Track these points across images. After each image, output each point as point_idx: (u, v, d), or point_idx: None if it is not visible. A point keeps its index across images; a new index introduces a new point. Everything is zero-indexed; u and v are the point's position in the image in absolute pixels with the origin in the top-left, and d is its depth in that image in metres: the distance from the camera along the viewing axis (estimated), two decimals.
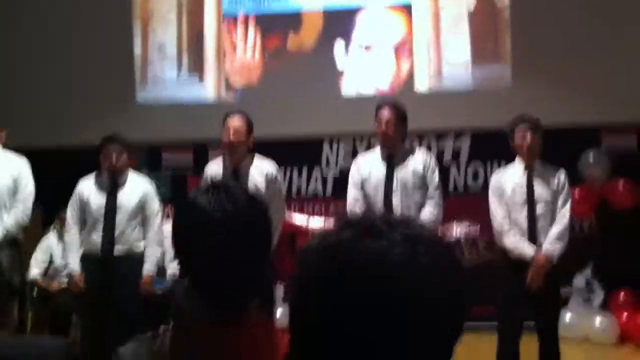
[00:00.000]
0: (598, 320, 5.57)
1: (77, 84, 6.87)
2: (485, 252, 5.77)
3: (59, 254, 5.19)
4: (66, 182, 4.64)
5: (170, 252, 5.22)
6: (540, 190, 4.15)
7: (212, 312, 1.36)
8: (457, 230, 5.91)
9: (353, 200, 4.25)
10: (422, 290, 0.77)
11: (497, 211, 4.19)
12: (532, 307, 4.11)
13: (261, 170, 4.36)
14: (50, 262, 4.60)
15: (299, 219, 6.32)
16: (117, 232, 4.44)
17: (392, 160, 4.22)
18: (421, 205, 4.19)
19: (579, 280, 5.78)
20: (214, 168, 4.45)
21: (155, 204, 4.61)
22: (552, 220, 4.14)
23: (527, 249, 4.06)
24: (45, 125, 6.85)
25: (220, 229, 1.35)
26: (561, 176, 4.21)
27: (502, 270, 4.20)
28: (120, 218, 4.45)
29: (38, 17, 7.00)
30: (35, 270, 5.25)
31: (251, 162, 4.39)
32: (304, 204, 6.49)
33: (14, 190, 4.47)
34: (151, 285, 4.57)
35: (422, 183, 4.19)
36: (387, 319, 0.76)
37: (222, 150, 4.49)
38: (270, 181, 4.36)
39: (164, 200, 5.84)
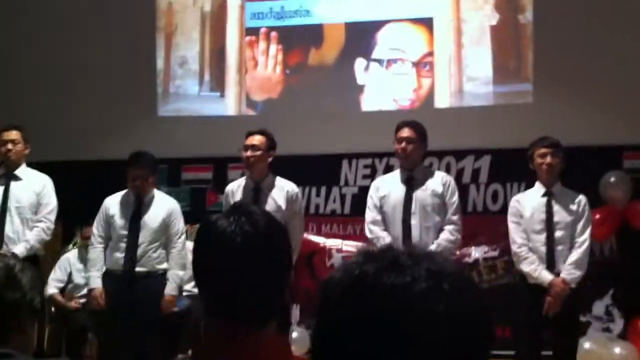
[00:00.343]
0: (617, 349, 5.43)
1: (99, 96, 6.94)
2: (503, 274, 5.72)
3: (78, 271, 5.24)
4: (87, 196, 4.69)
5: (188, 271, 5.25)
6: (559, 215, 4.11)
7: (231, 334, 1.36)
8: (476, 251, 5.86)
9: (371, 222, 4.24)
10: (446, 325, 0.78)
11: (515, 236, 4.17)
12: (550, 333, 4.08)
13: (282, 189, 4.39)
14: (69, 279, 4.65)
15: (316, 238, 6.30)
16: (139, 251, 4.45)
17: (412, 182, 4.20)
18: (440, 227, 4.17)
19: (599, 308, 5.70)
20: (235, 186, 4.48)
21: (179, 224, 4.62)
22: (571, 245, 4.10)
23: (544, 277, 4.03)
24: (67, 139, 6.92)
25: (240, 252, 1.36)
26: (582, 201, 4.18)
27: (520, 294, 4.18)
28: (144, 237, 4.46)
29: (61, 30, 7.08)
30: (53, 286, 5.29)
31: (273, 182, 4.42)
32: (322, 222, 6.47)
33: (37, 207, 4.53)
34: (173, 305, 4.59)
35: (441, 205, 4.18)
36: (411, 355, 0.77)
37: (242, 166, 4.57)
38: (290, 201, 4.37)
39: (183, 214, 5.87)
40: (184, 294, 5.17)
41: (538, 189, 4.22)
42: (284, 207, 4.31)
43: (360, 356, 0.78)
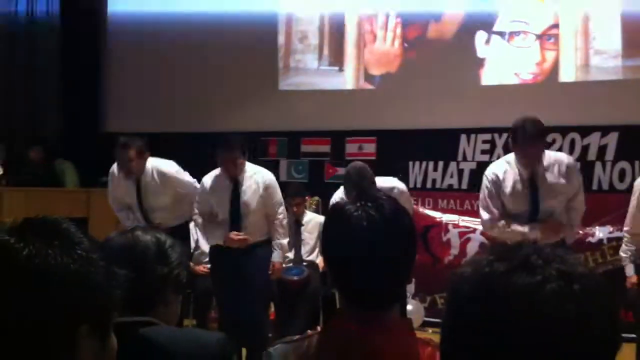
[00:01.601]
0: None
1: (223, 71, 7.19)
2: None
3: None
4: (212, 168, 4.88)
5: (308, 242, 5.39)
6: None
7: (359, 317, 1.41)
8: (600, 231, 5.64)
9: (492, 214, 4.01)
10: (575, 326, 0.79)
11: (628, 219, 4.10)
12: None
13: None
14: (196, 245, 4.88)
15: (432, 212, 6.28)
16: (243, 229, 4.56)
17: (535, 179, 3.99)
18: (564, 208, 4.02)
19: None
20: (208, 181, 4.64)
21: (277, 195, 4.68)
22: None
23: (627, 271, 4.15)
24: (191, 112, 7.24)
25: (367, 237, 1.40)
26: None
27: None
28: (245, 214, 4.56)
29: (188, 6, 7.37)
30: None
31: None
32: (439, 197, 6.43)
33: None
34: (279, 272, 4.72)
35: (566, 187, 4.01)
36: (539, 355, 0.78)
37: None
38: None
39: (301, 186, 6.01)
40: (304, 263, 5.32)
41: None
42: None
43: (488, 353, 0.80)
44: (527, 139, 3.79)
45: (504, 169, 4.00)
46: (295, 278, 5.07)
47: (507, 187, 3.96)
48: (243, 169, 4.59)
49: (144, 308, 1.68)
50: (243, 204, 4.55)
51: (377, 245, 1.40)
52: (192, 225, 4.92)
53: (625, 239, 4.22)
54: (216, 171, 4.67)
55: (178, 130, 7.15)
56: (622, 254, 4.27)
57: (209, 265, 4.85)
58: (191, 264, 5.21)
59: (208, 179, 4.68)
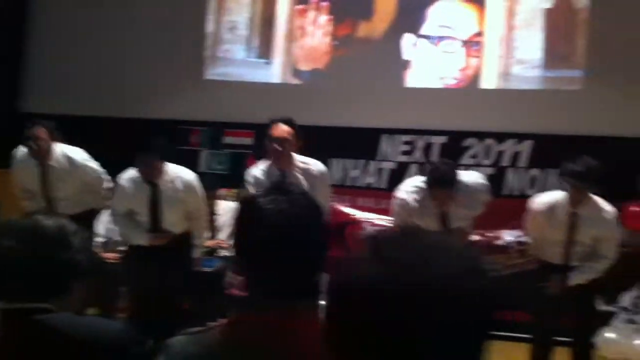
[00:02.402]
0: (639, 341, 5.34)
1: (147, 55, 7.04)
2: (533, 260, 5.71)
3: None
4: (132, 154, 4.77)
5: (226, 231, 5.37)
6: (583, 235, 4.08)
7: (266, 308, 1.41)
8: (508, 234, 5.83)
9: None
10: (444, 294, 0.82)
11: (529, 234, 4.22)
12: (569, 321, 4.16)
13: (308, 171, 4.26)
14: (109, 235, 4.77)
15: (350, 210, 6.35)
16: (161, 228, 4.48)
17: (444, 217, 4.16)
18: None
19: (626, 299, 5.66)
20: (258, 172, 4.32)
21: (198, 196, 4.58)
22: (590, 259, 4.12)
23: None
24: (113, 96, 7.06)
25: (279, 230, 1.40)
26: (610, 220, 4.13)
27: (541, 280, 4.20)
28: (164, 215, 4.47)
29: None
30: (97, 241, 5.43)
31: (295, 164, 4.25)
32: (357, 195, 6.50)
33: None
34: (198, 264, 4.69)
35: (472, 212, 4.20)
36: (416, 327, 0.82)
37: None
38: (318, 180, 4.26)
39: (221, 178, 5.98)
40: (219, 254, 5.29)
41: (564, 207, 4.13)
42: (309, 188, 4.13)
43: (370, 330, 0.83)
44: (437, 183, 3.99)
45: (415, 197, 4.17)
46: (208, 269, 5.04)
47: (417, 215, 4.11)
48: (162, 172, 4.44)
49: (44, 294, 1.64)
50: (163, 209, 4.44)
51: (288, 237, 1.40)
52: (105, 215, 4.80)
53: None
54: (133, 172, 4.50)
55: (99, 114, 6.97)
56: None
57: (119, 254, 4.75)
58: (100, 250, 5.09)
59: (125, 181, 4.51)
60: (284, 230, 1.40)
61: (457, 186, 4.04)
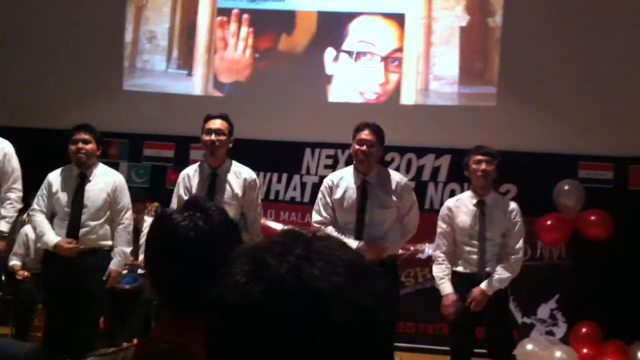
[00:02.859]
0: (558, 353, 5.50)
1: (64, 65, 6.82)
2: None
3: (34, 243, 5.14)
4: (47, 166, 4.60)
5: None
6: (491, 224, 4.22)
7: (180, 327, 1.37)
8: (430, 248, 5.95)
9: (317, 223, 4.21)
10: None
11: (440, 241, 4.33)
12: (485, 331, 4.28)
13: (239, 176, 4.31)
14: (27, 252, 4.57)
15: (274, 224, 6.31)
16: (84, 229, 4.31)
17: (365, 185, 4.20)
18: (392, 224, 4.22)
19: (544, 311, 5.86)
20: (191, 171, 4.38)
21: (125, 199, 4.46)
22: (502, 253, 4.23)
23: (445, 289, 4.23)
24: (31, 106, 6.80)
25: (191, 247, 1.37)
26: (514, 210, 4.30)
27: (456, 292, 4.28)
28: (88, 213, 4.32)
29: None
30: (14, 260, 5.14)
31: (229, 167, 4.34)
32: (281, 209, 6.49)
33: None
34: (116, 280, 4.48)
35: (394, 206, 4.21)
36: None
37: (203, 149, 4.44)
38: (248, 188, 4.31)
39: (142, 191, 5.83)
40: (139, 271, 5.15)
41: (471, 197, 4.32)
42: (240, 194, 4.25)
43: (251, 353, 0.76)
44: (361, 128, 4.18)
45: (340, 176, 4.29)
46: (127, 287, 4.90)
47: (339, 192, 4.18)
48: (95, 162, 4.39)
49: None
50: (87, 200, 4.31)
51: (202, 255, 1.37)
52: (25, 229, 4.58)
53: (437, 260, 4.32)
54: (64, 167, 4.43)
55: (19, 124, 6.67)
56: (435, 271, 4.31)
57: (35, 271, 4.55)
58: (14, 265, 4.88)
59: (54, 174, 4.43)
60: (196, 245, 1.38)
61: (379, 138, 4.21)
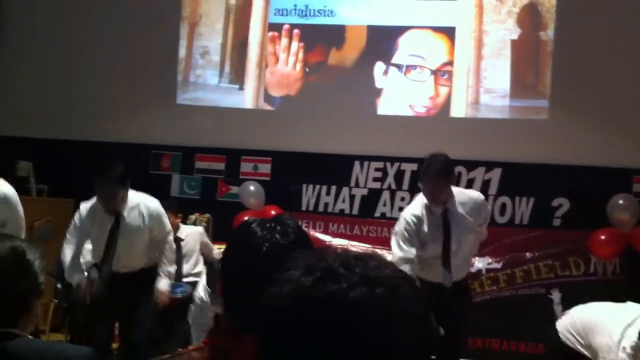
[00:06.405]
0: None
1: (120, 79, 7.02)
2: (505, 287, 5.76)
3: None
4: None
5: (193, 257, 5.32)
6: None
7: (230, 334, 1.40)
8: (479, 261, 5.88)
9: (407, 258, 4.03)
10: (383, 330, 0.79)
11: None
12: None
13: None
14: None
15: (323, 236, 6.34)
16: (122, 262, 4.33)
17: (446, 213, 4.13)
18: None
19: None
20: (88, 206, 4.34)
21: (164, 224, 4.46)
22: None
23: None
24: (85, 119, 7.02)
25: (263, 259, 1.39)
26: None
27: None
28: (125, 249, 4.32)
29: (88, 11, 7.17)
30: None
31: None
32: (330, 221, 6.51)
33: None
34: (166, 298, 4.51)
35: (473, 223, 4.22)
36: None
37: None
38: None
39: (193, 202, 5.93)
40: (185, 280, 5.23)
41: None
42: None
43: None
44: (430, 176, 4.00)
45: (421, 211, 4.15)
46: (179, 296, 4.98)
47: (425, 226, 4.10)
48: (125, 202, 4.29)
49: (8, 319, 1.63)
50: (124, 241, 4.28)
51: (270, 270, 1.39)
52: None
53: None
54: (95, 201, 4.35)
55: (71, 137, 6.91)
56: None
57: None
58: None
59: (85, 210, 4.36)
60: (267, 261, 1.38)
61: (453, 177, 4.15)
